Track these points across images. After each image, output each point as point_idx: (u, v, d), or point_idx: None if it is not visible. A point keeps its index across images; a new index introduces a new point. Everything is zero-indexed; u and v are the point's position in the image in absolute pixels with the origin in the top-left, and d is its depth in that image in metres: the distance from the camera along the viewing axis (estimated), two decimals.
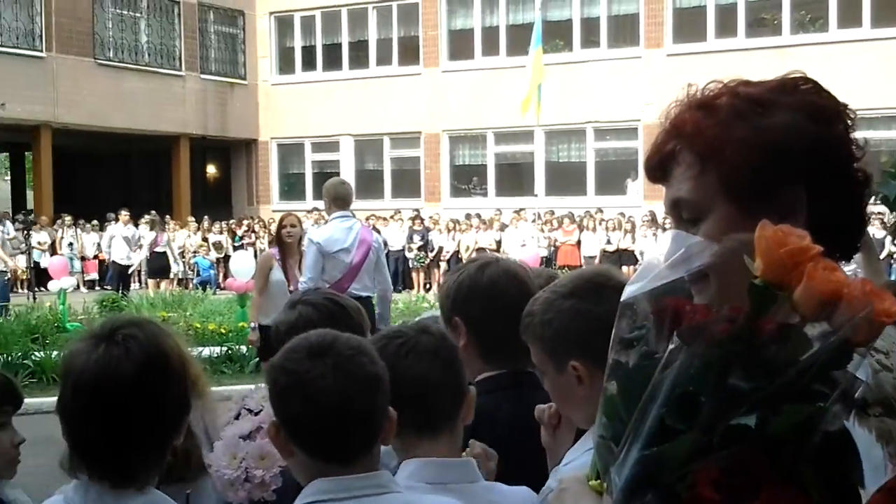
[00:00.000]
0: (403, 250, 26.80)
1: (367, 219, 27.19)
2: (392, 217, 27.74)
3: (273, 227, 26.42)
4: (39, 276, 20.01)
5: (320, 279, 8.15)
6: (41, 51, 26.68)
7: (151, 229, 23.27)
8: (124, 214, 23.57)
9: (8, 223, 20.88)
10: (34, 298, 18.19)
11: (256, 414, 2.68)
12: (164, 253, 22.55)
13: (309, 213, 27.09)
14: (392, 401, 2.05)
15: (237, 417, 2.76)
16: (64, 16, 26.92)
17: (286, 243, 8.83)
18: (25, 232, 22.30)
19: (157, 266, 22.92)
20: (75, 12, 27.20)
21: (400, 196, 30.44)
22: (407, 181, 30.67)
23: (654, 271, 1.27)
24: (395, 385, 2.05)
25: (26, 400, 9.86)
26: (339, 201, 8.53)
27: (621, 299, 1.28)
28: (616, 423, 1.15)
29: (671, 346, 1.10)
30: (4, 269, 18.45)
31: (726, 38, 26.30)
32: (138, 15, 29.36)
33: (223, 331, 13.06)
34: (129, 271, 24.00)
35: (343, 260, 8.34)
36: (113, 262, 22.48)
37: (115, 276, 21.87)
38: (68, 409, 2.13)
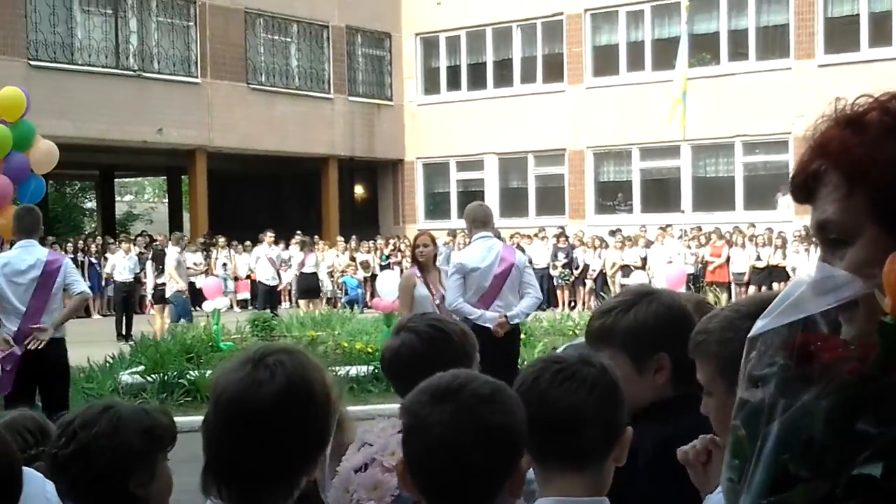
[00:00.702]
0: (548, 268, 26.71)
1: (512, 237, 27.25)
2: (536, 235, 27.70)
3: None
4: (194, 297, 20.67)
5: (462, 299, 8.36)
6: (196, 77, 27.63)
7: (301, 249, 23.76)
8: (269, 236, 24.17)
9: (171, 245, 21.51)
10: (190, 319, 18.82)
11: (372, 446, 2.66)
12: (314, 273, 22.99)
13: (449, 234, 27.30)
14: (540, 427, 1.97)
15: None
16: (218, 42, 27.84)
17: (420, 262, 9.06)
18: (205, 252, 22.97)
19: (307, 286, 23.38)
20: (228, 39, 28.10)
21: (544, 214, 30.38)
22: (551, 199, 30.60)
23: (788, 302, 1.23)
24: (545, 411, 1.99)
25: (181, 419, 10.18)
26: (479, 223, 8.81)
27: (749, 333, 1.25)
28: (745, 464, 1.11)
29: (798, 385, 1.07)
30: (182, 290, 19.11)
31: (881, 48, 25.47)
32: (289, 40, 30.14)
33: (370, 350, 13.17)
34: (278, 290, 24.52)
35: (484, 279, 8.52)
36: (259, 282, 23.04)
37: (262, 296, 22.40)
38: (209, 427, 2.13)
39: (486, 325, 8.31)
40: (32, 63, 24.16)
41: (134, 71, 26.26)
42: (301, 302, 23.18)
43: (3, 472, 2.50)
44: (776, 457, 1.03)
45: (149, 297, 20.98)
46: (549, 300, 26.81)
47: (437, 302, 8.82)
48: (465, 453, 1.85)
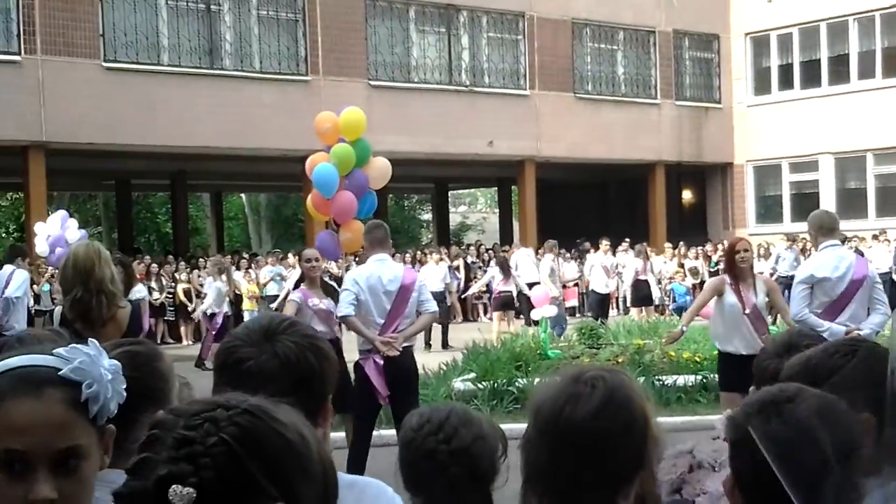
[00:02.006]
0: (890, 273, 25.26)
1: (849, 240, 26.02)
2: (876, 237, 26.30)
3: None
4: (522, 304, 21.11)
5: (807, 310, 8.10)
6: (525, 89, 28.32)
7: (637, 256, 23.76)
8: (605, 244, 24.30)
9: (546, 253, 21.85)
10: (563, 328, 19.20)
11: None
12: (646, 280, 22.94)
13: (789, 238, 26.39)
14: None
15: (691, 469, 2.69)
16: (546, 54, 28.40)
17: (740, 268, 8.79)
18: (579, 260, 23.40)
19: (641, 294, 23.37)
20: (556, 50, 28.61)
21: (885, 215, 28.81)
22: (893, 199, 28.96)
23: None
24: None
25: (510, 426, 10.51)
26: (826, 230, 8.48)
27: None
28: None
29: None
30: (556, 296, 19.70)
31: None
32: (615, 48, 30.28)
33: (697, 359, 13.01)
34: (609, 298, 24.60)
35: (834, 290, 8.19)
36: (592, 290, 23.19)
37: (594, 303, 22.56)
38: (528, 440, 2.12)
39: (830, 338, 8.02)
40: (372, 83, 25.67)
41: (466, 86, 27.29)
42: (633, 310, 23.21)
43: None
44: None
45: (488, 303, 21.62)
46: (893, 305, 25.38)
47: (748, 311, 8.62)
48: (800, 466, 1.79)
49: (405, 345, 8.25)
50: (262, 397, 1.46)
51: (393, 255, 27.72)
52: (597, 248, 24.75)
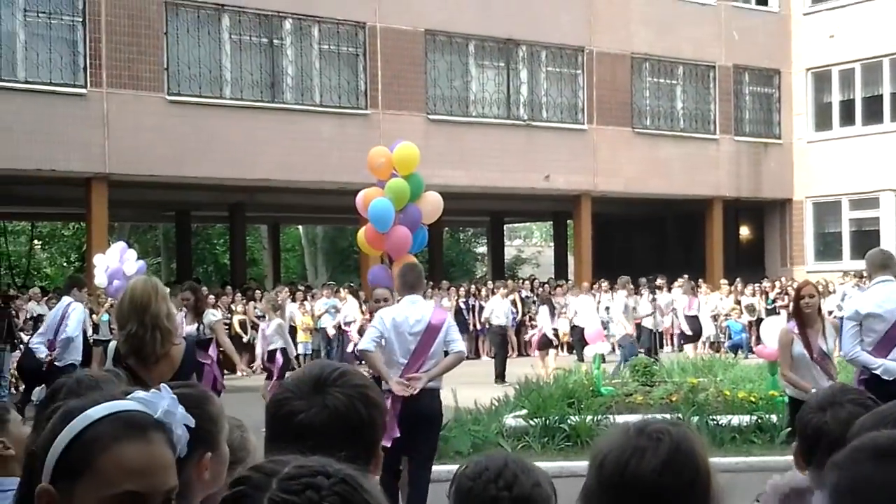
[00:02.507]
0: None
1: None
2: None
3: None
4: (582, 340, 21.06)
5: (859, 348, 8.11)
6: (583, 123, 28.31)
7: (684, 293, 23.61)
8: (660, 281, 24.11)
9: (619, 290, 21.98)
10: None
11: None
12: (696, 316, 22.76)
13: (844, 276, 26.11)
14: None
15: None
16: (605, 88, 28.40)
17: (806, 315, 8.71)
18: (651, 296, 23.39)
19: (692, 329, 23.20)
20: (615, 84, 28.60)
21: None
22: None
23: None
24: None
25: (561, 463, 10.47)
26: (878, 267, 8.55)
27: None
28: None
29: None
30: (630, 333, 19.87)
31: None
32: (674, 82, 30.19)
33: (753, 399, 12.84)
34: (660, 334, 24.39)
35: (881, 325, 8.21)
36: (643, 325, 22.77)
37: (645, 339, 22.26)
38: (588, 492, 2.14)
39: (886, 377, 7.98)
40: (431, 117, 25.84)
41: (524, 120, 27.36)
42: (688, 346, 23.04)
43: None
44: None
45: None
46: None
47: (815, 357, 8.56)
48: None
49: (430, 386, 8.08)
50: (347, 466, 1.55)
51: (448, 289, 27.93)
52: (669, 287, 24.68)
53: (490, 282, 29.89)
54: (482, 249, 50.76)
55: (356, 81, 25.00)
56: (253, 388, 17.22)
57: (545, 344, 20.59)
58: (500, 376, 20.08)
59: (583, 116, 28.36)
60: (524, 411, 12.46)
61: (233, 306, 24.61)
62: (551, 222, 41.04)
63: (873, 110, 30.31)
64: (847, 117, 30.98)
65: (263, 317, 17.83)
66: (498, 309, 22.57)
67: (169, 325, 5.43)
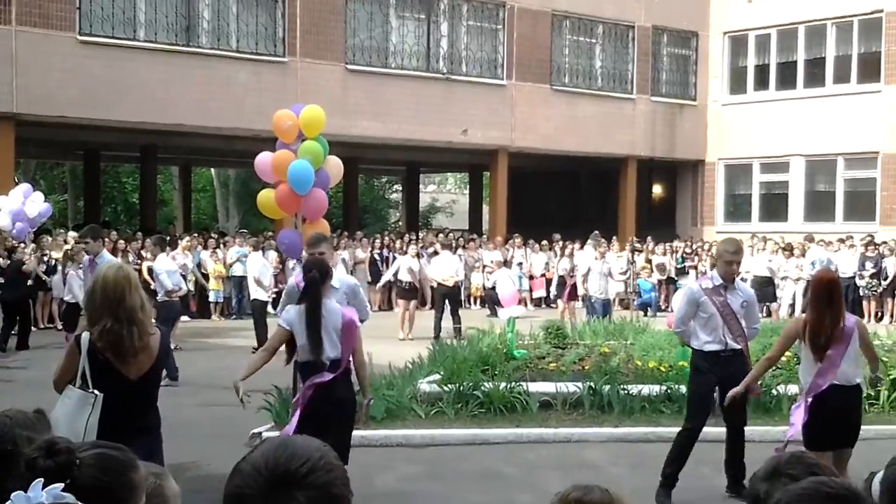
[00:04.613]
0: (854, 277, 25.53)
1: (817, 243, 26.28)
2: (843, 241, 26.55)
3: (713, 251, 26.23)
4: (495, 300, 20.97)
5: None
6: (502, 79, 28.28)
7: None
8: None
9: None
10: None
11: None
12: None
13: (753, 237, 26.67)
14: None
15: None
16: (525, 45, 28.37)
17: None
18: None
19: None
20: (535, 41, 28.57)
21: (853, 219, 29.08)
22: (861, 203, 29.23)
23: None
24: None
25: (475, 430, 10.55)
26: None
27: None
28: None
29: None
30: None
31: None
32: (594, 41, 30.27)
33: (662, 369, 13.03)
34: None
35: None
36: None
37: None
38: None
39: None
40: (349, 67, 25.54)
41: (443, 73, 27.20)
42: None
43: None
44: None
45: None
46: (855, 311, 25.67)
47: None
48: None
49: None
50: None
51: (361, 240, 27.73)
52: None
53: (405, 234, 29.84)
54: (396, 196, 50.62)
55: (274, 28, 24.57)
56: None
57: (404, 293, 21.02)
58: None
59: (502, 72, 28.31)
60: (438, 377, 12.46)
61: (143, 252, 24.16)
62: (467, 174, 41.07)
63: (787, 76, 30.77)
64: (761, 82, 31.42)
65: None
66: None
67: (144, 317, 5.25)
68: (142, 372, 5.28)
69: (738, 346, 8.58)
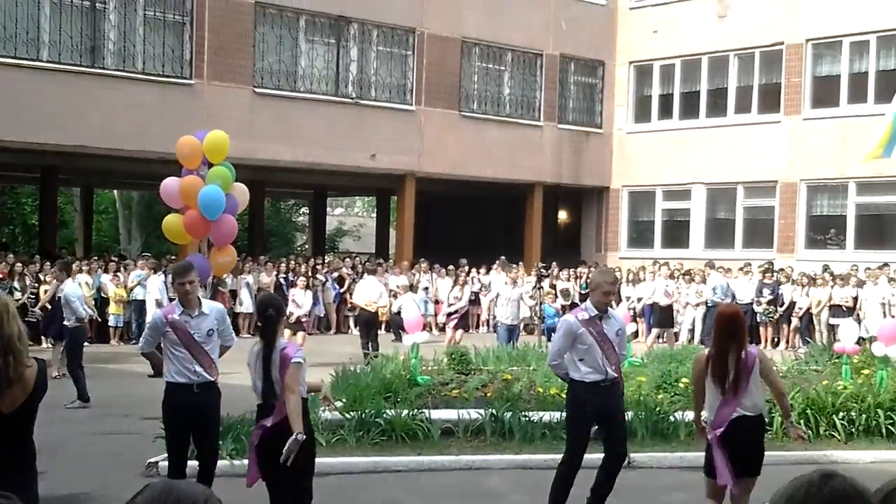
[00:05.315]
0: (752, 304, 26.12)
1: (717, 269, 26.82)
2: (742, 269, 27.16)
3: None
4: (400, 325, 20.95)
5: None
6: (411, 104, 28.41)
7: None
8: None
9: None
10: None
11: None
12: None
13: (655, 264, 27.15)
14: None
15: None
16: (434, 70, 28.54)
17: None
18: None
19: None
20: (444, 66, 28.76)
21: (752, 246, 29.75)
22: (760, 231, 29.92)
23: None
24: None
25: (376, 458, 10.53)
26: None
27: None
28: None
29: None
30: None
31: None
32: (502, 68, 30.58)
33: (563, 395, 13.11)
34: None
35: None
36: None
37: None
38: None
39: None
40: (258, 90, 25.43)
41: (352, 98, 27.23)
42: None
43: None
44: None
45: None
46: (752, 338, 26.28)
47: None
48: None
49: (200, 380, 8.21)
50: None
51: (265, 264, 27.52)
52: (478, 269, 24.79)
53: (311, 258, 29.72)
54: (303, 219, 50.37)
55: (181, 50, 24.37)
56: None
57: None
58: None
59: (411, 97, 28.44)
60: (340, 404, 12.40)
61: (41, 276, 23.69)
62: (375, 197, 41.07)
63: (690, 105, 31.41)
64: (665, 111, 32.02)
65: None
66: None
67: (21, 347, 5.05)
68: (15, 405, 5.06)
69: (616, 375, 8.69)
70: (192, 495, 1.96)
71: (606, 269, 10.11)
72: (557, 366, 8.85)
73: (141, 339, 9.54)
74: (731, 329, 7.66)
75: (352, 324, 26.60)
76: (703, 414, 7.98)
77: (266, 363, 7.18)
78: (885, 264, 24.84)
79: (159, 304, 18.49)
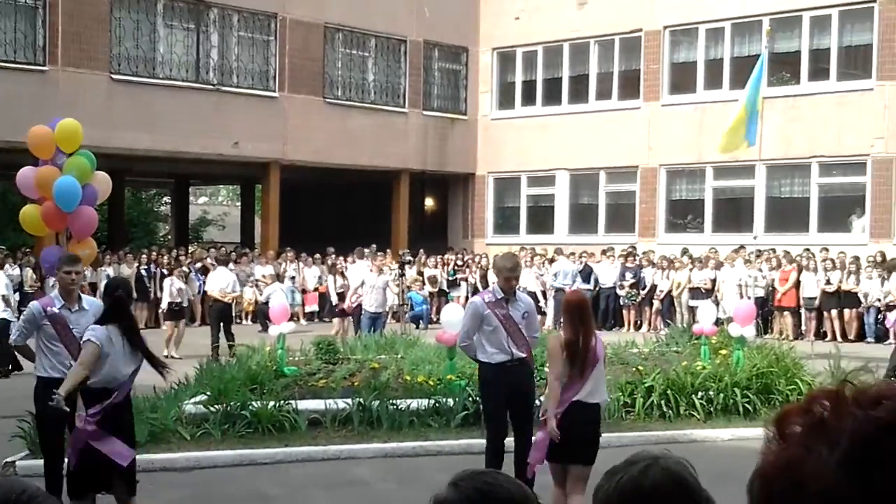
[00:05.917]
0: (615, 287, 26.65)
1: (580, 255, 27.24)
2: (605, 253, 27.66)
3: (485, 262, 26.78)
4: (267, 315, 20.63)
5: None
6: (274, 91, 28.04)
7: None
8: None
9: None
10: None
11: None
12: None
13: (521, 250, 27.43)
14: None
15: None
16: (297, 57, 28.21)
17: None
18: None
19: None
20: (307, 53, 28.46)
21: (614, 231, 30.29)
22: (622, 216, 30.48)
23: None
24: None
25: (243, 452, 10.41)
26: None
27: None
28: None
29: None
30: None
31: None
32: (366, 54, 30.42)
33: (431, 383, 13.17)
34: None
35: None
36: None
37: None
38: None
39: None
40: (115, 77, 24.76)
41: (213, 85, 26.74)
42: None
43: None
44: None
45: None
46: (616, 320, 26.84)
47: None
48: None
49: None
50: None
51: (125, 255, 26.77)
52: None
53: (174, 249, 29.13)
54: (166, 209, 49.31)
55: (34, 35, 23.55)
56: None
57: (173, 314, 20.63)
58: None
59: (274, 84, 28.08)
60: (205, 397, 12.19)
61: None
62: (239, 186, 40.48)
63: (553, 92, 31.77)
64: (529, 97, 32.31)
65: None
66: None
67: None
68: None
69: (523, 355, 8.94)
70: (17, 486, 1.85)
71: (509, 253, 10.23)
72: (467, 346, 9.17)
73: (14, 330, 9.28)
74: (579, 314, 7.85)
75: None
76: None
77: (138, 341, 7.32)
78: (742, 247, 25.59)
79: (5, 300, 17.84)
